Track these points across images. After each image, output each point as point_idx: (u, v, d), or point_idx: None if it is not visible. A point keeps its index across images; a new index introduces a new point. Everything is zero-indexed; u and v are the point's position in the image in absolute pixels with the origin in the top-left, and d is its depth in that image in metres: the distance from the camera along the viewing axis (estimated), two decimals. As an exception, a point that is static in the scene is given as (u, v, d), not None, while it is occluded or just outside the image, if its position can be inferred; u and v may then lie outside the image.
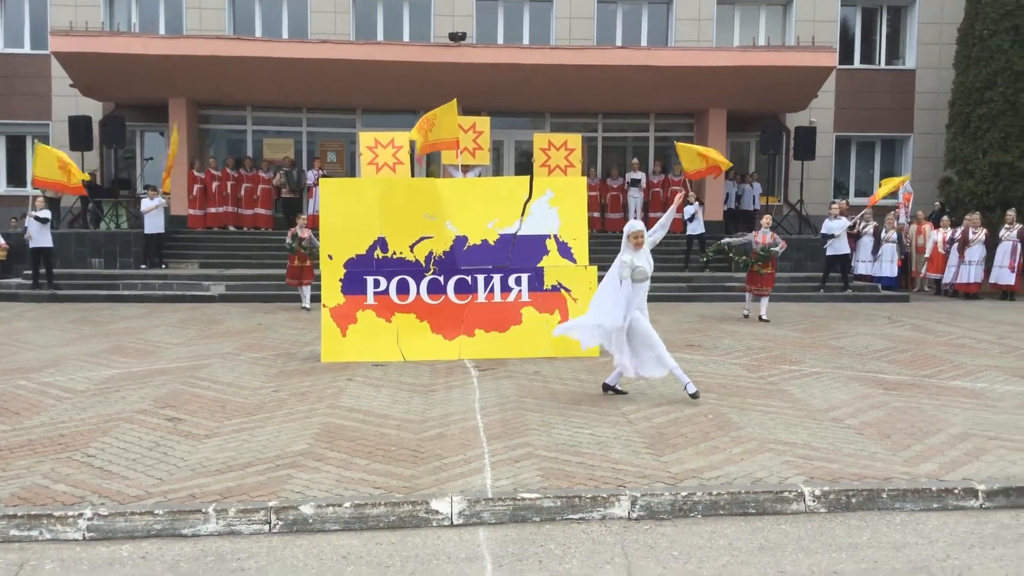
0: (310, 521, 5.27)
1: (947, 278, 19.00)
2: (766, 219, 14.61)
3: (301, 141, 22.90)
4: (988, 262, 18.46)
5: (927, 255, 19.61)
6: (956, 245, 18.57)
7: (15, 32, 22.92)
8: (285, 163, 21.69)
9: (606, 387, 8.54)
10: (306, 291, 15.35)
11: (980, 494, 5.68)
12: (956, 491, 5.67)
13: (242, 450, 6.46)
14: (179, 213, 20.85)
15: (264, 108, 22.57)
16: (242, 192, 21.44)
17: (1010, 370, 9.90)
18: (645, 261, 8.14)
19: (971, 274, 18.38)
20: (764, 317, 14.10)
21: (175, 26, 22.67)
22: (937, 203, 21.85)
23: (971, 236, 18.31)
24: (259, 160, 22.18)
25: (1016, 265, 18.02)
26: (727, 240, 14.74)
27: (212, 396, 8.29)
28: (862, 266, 19.57)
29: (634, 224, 8.28)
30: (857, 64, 24.06)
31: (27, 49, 22.82)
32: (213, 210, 21.29)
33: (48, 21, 22.12)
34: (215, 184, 21.21)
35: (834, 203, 18.53)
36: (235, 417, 7.48)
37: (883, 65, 24.27)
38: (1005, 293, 18.15)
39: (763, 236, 14.15)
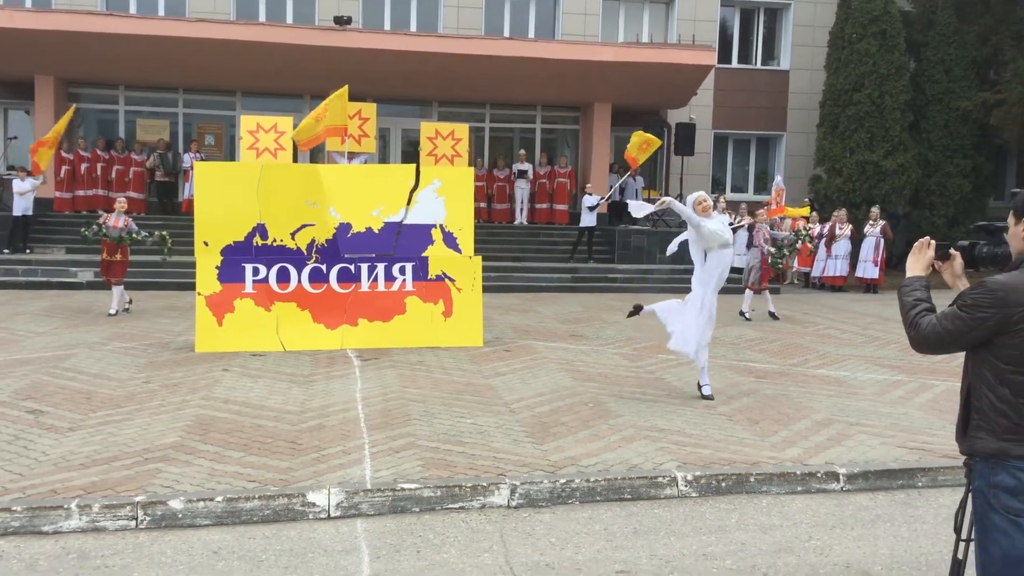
0: (180, 516, 5.09)
1: (815, 271, 19.86)
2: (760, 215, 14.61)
3: (177, 123, 22.03)
4: (854, 257, 19.39)
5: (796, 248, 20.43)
6: (824, 240, 19.42)
7: None
8: (160, 145, 20.85)
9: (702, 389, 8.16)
10: (116, 292, 12.78)
11: (841, 477, 5.97)
12: (819, 475, 5.94)
13: (108, 443, 6.19)
14: (45, 196, 19.76)
15: (138, 88, 21.60)
16: (113, 175, 20.47)
17: (871, 359, 10.44)
18: (720, 226, 7.85)
19: (837, 268, 19.26)
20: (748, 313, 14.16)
21: (42, -1, 21.48)
22: (807, 199, 22.81)
23: (838, 231, 19.18)
24: (132, 142, 21.22)
25: (879, 259, 18.98)
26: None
27: (77, 387, 7.90)
28: (737, 259, 20.18)
29: (697, 193, 8.04)
30: (735, 64, 24.83)
31: None
32: (82, 193, 20.27)
33: (-102, -13, 20.59)
34: (84, 166, 20.21)
35: (719, 199, 19.07)
36: (102, 409, 7.16)
37: (759, 65, 25.13)
38: (869, 286, 19.11)
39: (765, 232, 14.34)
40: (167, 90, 21.65)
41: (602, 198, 19.11)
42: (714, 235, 7.83)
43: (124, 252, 12.89)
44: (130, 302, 13.13)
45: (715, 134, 24.60)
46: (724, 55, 24.24)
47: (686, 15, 23.97)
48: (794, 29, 24.69)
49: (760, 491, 5.83)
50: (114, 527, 5.01)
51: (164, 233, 13.29)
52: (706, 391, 8.09)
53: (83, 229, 12.96)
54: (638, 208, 8.12)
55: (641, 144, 16.33)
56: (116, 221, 12.82)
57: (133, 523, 5.03)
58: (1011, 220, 3.22)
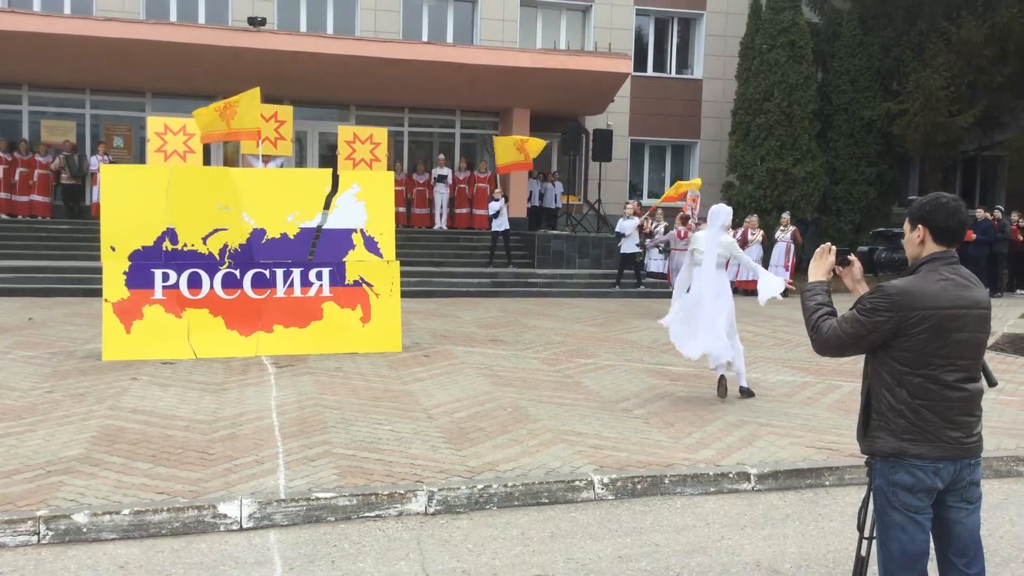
0: (84, 530, 4.92)
1: (729, 276, 20.29)
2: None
3: (84, 124, 21.31)
4: (765, 262, 19.89)
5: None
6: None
7: None
8: (65, 147, 20.13)
9: (744, 391, 8.49)
10: None
11: (752, 477, 6.11)
12: (731, 475, 6.08)
13: (9, 456, 5.94)
14: (-60, 198, 18.93)
15: (43, 87, 20.82)
16: (16, 177, 19.67)
17: (781, 361, 10.74)
18: (702, 244, 8.51)
19: (749, 272, 19.73)
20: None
21: (-63, -8, 20.53)
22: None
23: (750, 237, 19.65)
24: (36, 143, 20.43)
25: (790, 264, 19.53)
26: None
27: (-26, 399, 7.57)
28: (653, 264, 20.57)
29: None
30: (650, 72, 25.27)
31: None
32: (-17, 195, 19.45)
33: None
34: (-15, 168, 19.39)
35: (628, 204, 19.37)
36: (2, 421, 6.86)
37: (674, 74, 25.63)
38: (779, 290, 19.62)
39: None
40: (73, 90, 20.93)
41: (500, 202, 19.02)
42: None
43: None
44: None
45: (632, 140, 24.98)
46: (640, 63, 24.67)
47: (602, 23, 24.30)
48: (707, 39, 25.26)
49: (674, 492, 5.93)
50: (14, 543, 4.81)
51: None
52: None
53: None
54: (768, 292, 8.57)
55: (515, 147, 16.45)
56: None
57: (35, 538, 4.84)
58: (907, 227, 3.36)
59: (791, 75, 22.03)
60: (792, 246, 19.44)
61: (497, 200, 19.06)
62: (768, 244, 19.85)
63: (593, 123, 23.61)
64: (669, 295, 18.30)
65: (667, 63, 25.60)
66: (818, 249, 3.59)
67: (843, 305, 3.21)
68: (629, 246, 18.04)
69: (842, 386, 9.22)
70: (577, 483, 5.78)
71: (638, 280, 18.64)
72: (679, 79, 25.54)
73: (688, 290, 8.64)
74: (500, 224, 19.12)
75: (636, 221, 17.96)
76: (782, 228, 19.63)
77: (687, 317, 8.37)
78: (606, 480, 5.82)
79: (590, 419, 7.44)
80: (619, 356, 10.67)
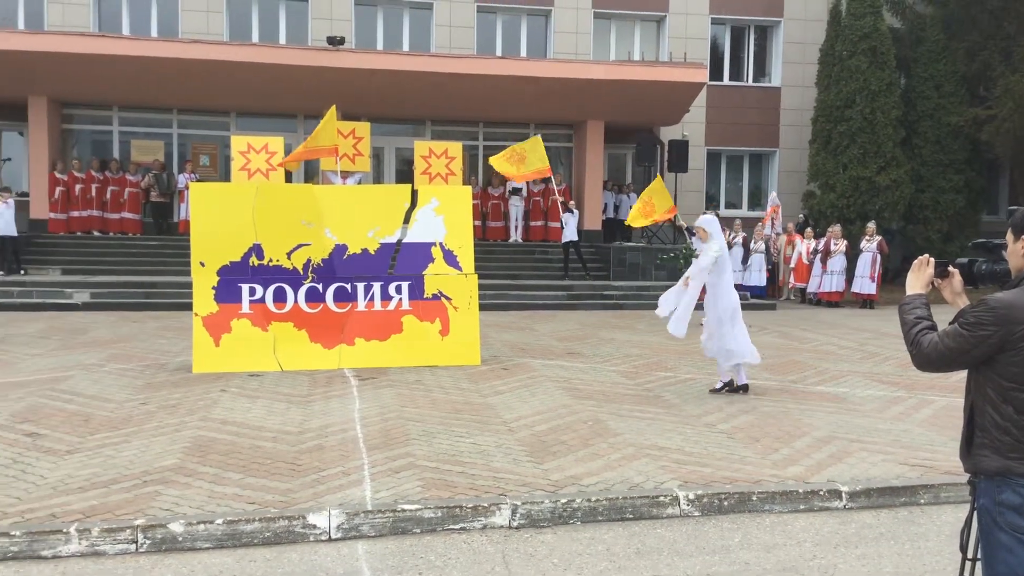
0: (180, 539, 5.05)
1: (811, 287, 19.91)
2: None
3: (172, 143, 22.05)
4: (849, 272, 19.45)
5: (792, 265, 20.51)
6: (819, 256, 19.49)
7: None
8: (154, 166, 20.86)
9: (740, 387, 9.08)
10: None
11: (844, 495, 5.95)
12: (821, 492, 5.93)
13: (107, 466, 6.15)
14: (39, 217, 19.75)
15: (132, 108, 21.62)
16: (108, 195, 20.47)
17: (870, 375, 10.45)
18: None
19: (833, 283, 19.31)
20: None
21: (36, 21, 21.50)
22: (801, 215, 22.91)
23: (832, 247, 19.24)
24: (127, 162, 21.23)
25: (876, 275, 19.05)
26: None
27: (74, 409, 7.85)
28: (732, 275, 20.26)
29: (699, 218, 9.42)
30: (727, 81, 24.99)
31: None
32: (76, 214, 20.24)
33: None
34: (79, 187, 20.17)
35: (704, 214, 19.12)
36: (99, 432, 7.11)
37: (751, 82, 25.29)
38: (865, 302, 19.16)
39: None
40: (161, 110, 21.68)
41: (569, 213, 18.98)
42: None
43: None
44: None
45: (708, 151, 24.72)
46: (715, 72, 24.40)
47: (677, 32, 24.13)
48: (784, 46, 24.87)
49: (763, 510, 5.81)
50: (114, 551, 4.97)
51: None
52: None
53: None
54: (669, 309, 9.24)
55: (510, 158, 16.36)
56: None
57: (133, 547, 4.99)
58: (1010, 237, 3.23)
59: (873, 81, 21.54)
60: (878, 256, 18.96)
61: (574, 212, 19.07)
62: (852, 254, 19.39)
63: (668, 133, 23.43)
64: (746, 307, 18.10)
65: (744, 71, 25.28)
66: (916, 261, 3.48)
67: (943, 318, 3.11)
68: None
69: (935, 401, 8.92)
70: (662, 499, 5.71)
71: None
72: (756, 87, 25.19)
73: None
74: (567, 235, 19.10)
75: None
76: (867, 238, 19.16)
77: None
78: (692, 496, 5.74)
79: (672, 433, 7.35)
80: (700, 369, 10.53)
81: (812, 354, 12.06)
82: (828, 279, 19.34)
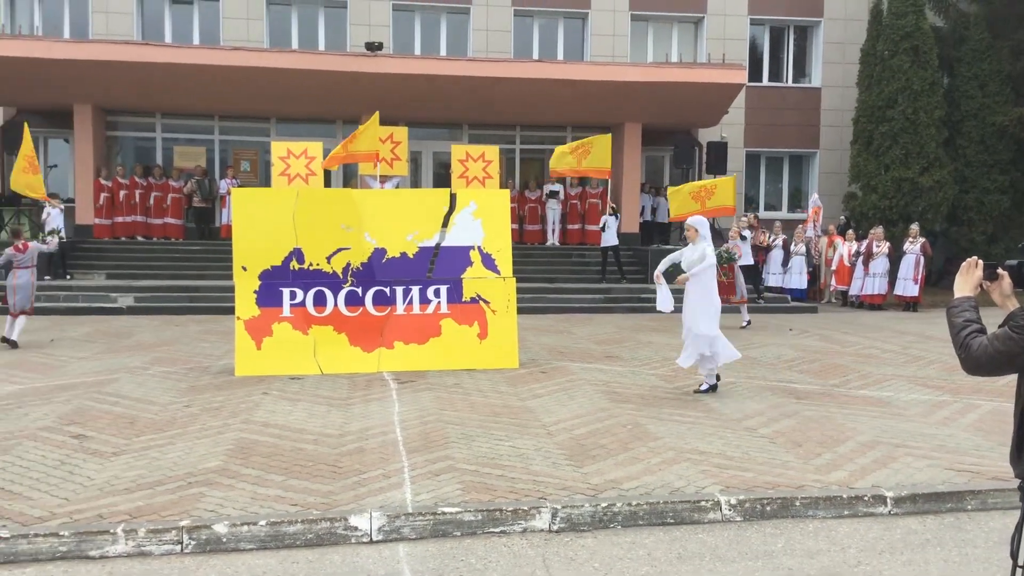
0: (224, 540, 5.12)
1: (853, 290, 19.65)
2: (734, 231, 15.88)
3: (213, 149, 22.36)
4: (892, 274, 19.17)
5: (834, 267, 20.26)
6: (861, 258, 19.23)
7: (-93, 32, 21.83)
8: (196, 171, 21.16)
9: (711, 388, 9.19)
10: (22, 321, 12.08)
11: (888, 501, 5.87)
12: (866, 498, 5.85)
13: (152, 468, 6.25)
14: (85, 222, 20.13)
15: (174, 115, 21.97)
16: (151, 201, 20.81)
17: (914, 379, 10.28)
18: (690, 256, 9.03)
19: (876, 286, 19.05)
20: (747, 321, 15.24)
21: (81, 30, 21.93)
22: (842, 217, 22.63)
23: (875, 249, 18.98)
24: (169, 168, 21.56)
25: (919, 277, 18.75)
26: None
27: (120, 412, 7.99)
28: (772, 278, 20.10)
29: (689, 218, 9.35)
30: (766, 82, 24.77)
31: (-80, 50, 21.72)
32: (121, 219, 20.60)
33: (-57, 21, 21.15)
34: (123, 193, 20.53)
35: (744, 216, 18.97)
36: (145, 434, 7.23)
37: (790, 83, 25.05)
38: (909, 304, 18.87)
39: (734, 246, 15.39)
40: (203, 117, 21.99)
41: (610, 216, 18.96)
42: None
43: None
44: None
45: (747, 152, 24.52)
46: (755, 73, 24.20)
47: (715, 33, 23.97)
48: (824, 46, 24.60)
49: (806, 515, 5.75)
50: (159, 552, 5.04)
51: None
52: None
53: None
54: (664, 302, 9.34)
55: (573, 152, 16.34)
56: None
57: (178, 547, 5.07)
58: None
59: (915, 81, 21.22)
60: (921, 258, 18.67)
61: (615, 215, 19.02)
62: (895, 256, 19.12)
63: (707, 135, 23.28)
64: (787, 310, 17.99)
65: (783, 72, 25.05)
66: (964, 263, 3.42)
67: (991, 322, 3.05)
68: (745, 260, 17.68)
69: (981, 405, 8.76)
70: (703, 503, 5.67)
71: (757, 295, 18.23)
72: (796, 88, 24.94)
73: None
74: (607, 240, 19.04)
75: (750, 235, 17.60)
76: (911, 240, 18.87)
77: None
78: (733, 501, 5.69)
79: (713, 438, 7.29)
80: (740, 373, 10.43)
81: (854, 357, 11.90)
82: (870, 281, 19.08)
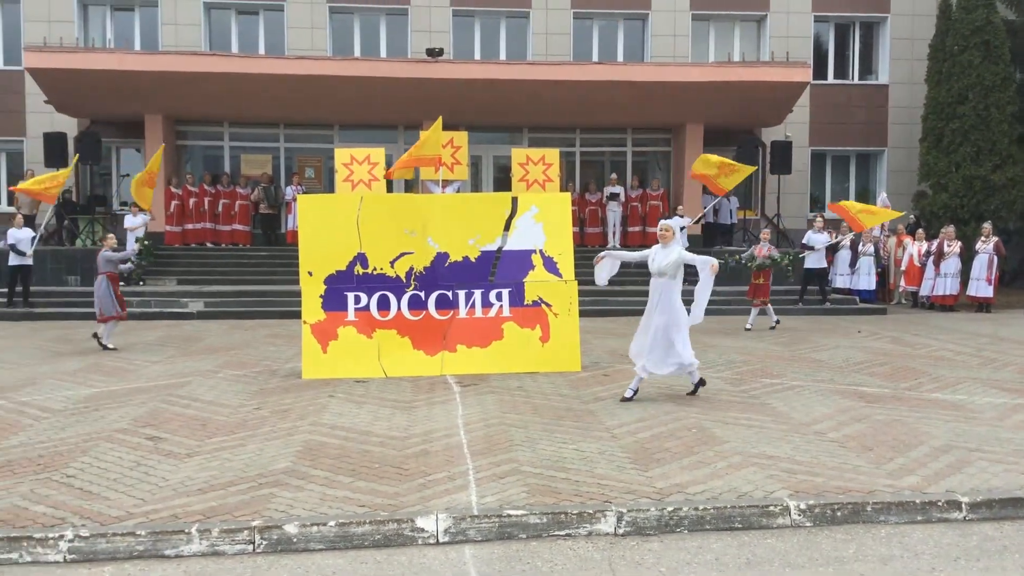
0: (294, 540, 5.21)
1: (924, 291, 19.17)
2: (764, 233, 15.48)
3: (279, 157, 22.79)
4: (965, 274, 18.67)
5: (903, 268, 19.80)
6: (932, 258, 18.75)
7: (-12, 48, 22.73)
8: (263, 179, 21.59)
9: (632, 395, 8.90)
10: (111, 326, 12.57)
11: (964, 506, 5.71)
12: (940, 503, 5.70)
13: (224, 469, 6.40)
14: (156, 230, 20.65)
15: (241, 124, 22.45)
16: (219, 208, 21.29)
17: (989, 382, 9.99)
18: (664, 259, 8.70)
19: (947, 286, 18.57)
20: (776, 322, 15.13)
21: (151, 42, 22.56)
22: (912, 216, 22.11)
23: (946, 249, 18.50)
24: (237, 176, 22.04)
25: (992, 277, 18.22)
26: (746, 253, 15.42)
27: (193, 414, 8.20)
28: (840, 279, 19.73)
29: (663, 221, 9.09)
30: (831, 79, 24.34)
31: (0, 65, 22.58)
32: (191, 226, 21.12)
33: (22, 37, 21.91)
34: (192, 200, 21.06)
35: (817, 217, 18.65)
36: (216, 435, 7.40)
37: (856, 80, 24.57)
38: (981, 305, 18.34)
39: (760, 249, 14.84)
40: (269, 125, 22.44)
41: (693, 220, 18.94)
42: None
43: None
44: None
45: (812, 151, 24.11)
46: (819, 71, 23.80)
47: (778, 32, 23.64)
48: (892, 42, 24.09)
49: (878, 521, 5.63)
50: (232, 551, 5.15)
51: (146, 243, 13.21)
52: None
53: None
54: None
55: (719, 167, 16.18)
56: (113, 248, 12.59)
57: (250, 547, 5.17)
58: None
59: (987, 76, 20.66)
60: (995, 258, 18.14)
61: (682, 216, 18.89)
62: (967, 256, 18.61)
63: (769, 135, 22.96)
64: (855, 312, 17.64)
65: (849, 69, 24.58)
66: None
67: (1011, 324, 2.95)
68: (815, 261, 17.40)
69: (1061, 409, 8.48)
70: (772, 508, 5.59)
71: (823, 296, 17.91)
72: (862, 85, 24.46)
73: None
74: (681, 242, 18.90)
75: (827, 237, 17.29)
76: (983, 239, 18.35)
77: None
78: (803, 506, 5.60)
79: (780, 442, 7.19)
80: (807, 376, 10.27)
81: (926, 360, 11.61)
82: (941, 282, 18.60)
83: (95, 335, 12.48)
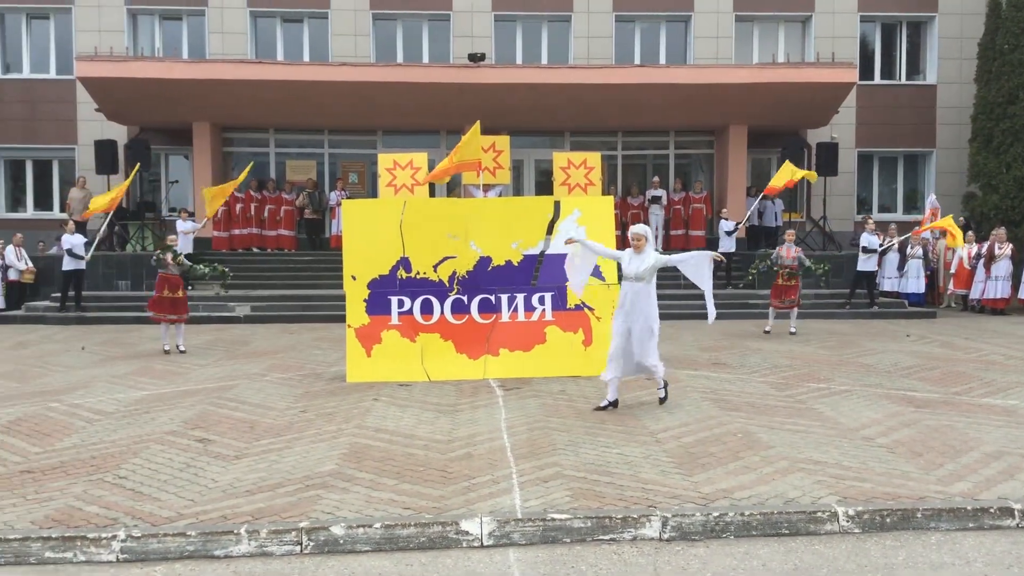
0: (341, 542, 5.27)
1: (974, 294, 18.81)
2: (789, 234, 14.89)
3: (323, 162, 23.05)
4: (1015, 277, 18.28)
5: (953, 270, 19.44)
6: (982, 261, 18.39)
7: (40, 58, 23.27)
8: (308, 184, 21.85)
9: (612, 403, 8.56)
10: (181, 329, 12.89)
11: (1017, 513, 5.60)
12: (992, 510, 5.59)
13: (272, 471, 6.48)
14: (204, 235, 20.99)
15: (286, 130, 22.76)
16: (265, 214, 21.58)
17: (1042, 386, 9.78)
18: (640, 265, 8.40)
19: (998, 289, 18.19)
20: (793, 331, 14.17)
21: (198, 50, 22.95)
22: (961, 218, 21.68)
23: (997, 251, 18.14)
24: (282, 182, 22.34)
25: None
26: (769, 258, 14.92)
27: (241, 417, 8.32)
28: (888, 282, 19.44)
29: (637, 227, 8.73)
30: (878, 80, 23.99)
31: (52, 75, 23.14)
32: (237, 232, 21.43)
33: (73, 47, 22.43)
34: (239, 206, 21.36)
35: (870, 219, 18.39)
36: (264, 438, 7.51)
37: (904, 80, 24.19)
38: (1033, 308, 17.97)
39: (787, 250, 14.38)
40: (313, 131, 22.71)
41: (739, 223, 18.80)
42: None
43: (183, 288, 12.78)
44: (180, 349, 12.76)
45: (859, 152, 23.78)
46: (866, 71, 23.46)
47: (824, 32, 23.36)
48: (940, 42, 23.66)
49: (928, 527, 5.53)
50: (280, 552, 5.22)
51: (223, 268, 13.17)
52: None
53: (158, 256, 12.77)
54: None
55: (790, 177, 16.10)
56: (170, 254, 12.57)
57: (298, 548, 5.24)
58: None
59: (1038, 74, 20.20)
60: (1048, 261, 17.75)
61: (728, 220, 18.76)
62: (1018, 258, 18.22)
63: (815, 136, 22.68)
64: (904, 315, 17.35)
65: (896, 70, 24.20)
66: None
67: None
68: (867, 263, 17.15)
69: (1119, 415, 8.26)
70: (819, 514, 5.52)
71: (871, 299, 17.66)
72: (910, 86, 24.06)
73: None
74: (727, 245, 18.75)
75: (878, 238, 17.04)
76: (1035, 241, 17.95)
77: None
78: (851, 512, 5.53)
79: (828, 447, 7.10)
80: (856, 381, 10.13)
81: (977, 364, 11.39)
82: (992, 285, 18.23)
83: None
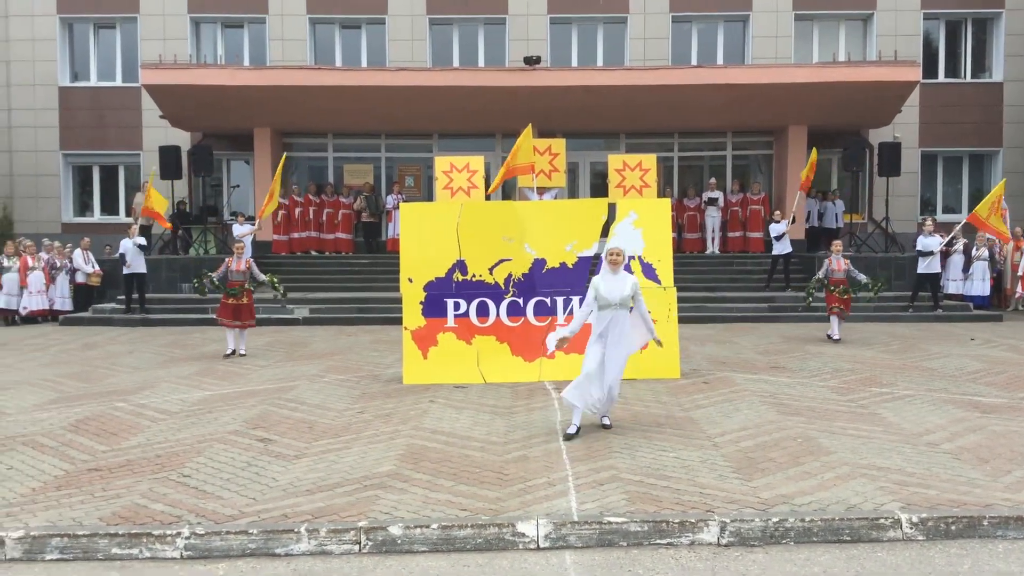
0: (399, 542, 5.32)
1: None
2: (836, 245, 14.43)
3: (380, 166, 23.29)
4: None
5: (1020, 273, 18.89)
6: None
7: (107, 67, 23.94)
8: (365, 188, 22.10)
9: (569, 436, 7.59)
10: (244, 334, 13.00)
11: (1089, 523, 5.43)
12: (1063, 519, 5.43)
13: (331, 471, 6.58)
14: (264, 239, 21.39)
15: (344, 135, 23.05)
16: (324, 217, 21.89)
17: (1116, 393, 9.46)
18: (618, 287, 7.62)
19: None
20: (835, 337, 13.79)
21: (259, 57, 23.38)
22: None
23: (1067, 253, 17.58)
24: (340, 186, 22.63)
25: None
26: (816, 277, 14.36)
27: (300, 417, 8.46)
28: (952, 284, 18.96)
29: (611, 244, 8.16)
30: (942, 78, 23.44)
31: (118, 82, 23.79)
32: (296, 235, 21.78)
33: (138, 55, 23.01)
34: (298, 210, 21.71)
35: (927, 220, 17.98)
36: (323, 438, 7.62)
37: (969, 78, 23.59)
38: (1106, 311, 17.36)
39: (837, 262, 13.89)
40: (370, 136, 22.96)
41: (788, 221, 18.47)
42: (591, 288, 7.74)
43: (249, 295, 12.85)
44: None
45: (923, 152, 23.25)
46: (929, 70, 22.92)
47: (886, 30, 22.90)
48: (1006, 39, 23.05)
49: (995, 535, 5.40)
50: (339, 551, 5.30)
51: (274, 279, 13.11)
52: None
53: (196, 283, 13.26)
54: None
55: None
56: (239, 264, 12.70)
57: (356, 547, 5.31)
58: None
59: (1113, 70, 19.53)
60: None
61: (779, 222, 18.49)
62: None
63: (877, 136, 22.24)
64: (969, 318, 16.92)
65: (961, 68, 23.61)
66: None
67: None
68: (927, 266, 16.77)
69: None
70: (882, 521, 5.42)
71: (935, 303, 17.25)
72: (975, 84, 23.46)
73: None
74: (782, 248, 18.50)
75: (939, 239, 16.65)
76: (1107, 242, 17.35)
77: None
78: (915, 519, 5.41)
79: (891, 453, 6.96)
80: (920, 385, 9.91)
81: (1047, 370, 11.07)
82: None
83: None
